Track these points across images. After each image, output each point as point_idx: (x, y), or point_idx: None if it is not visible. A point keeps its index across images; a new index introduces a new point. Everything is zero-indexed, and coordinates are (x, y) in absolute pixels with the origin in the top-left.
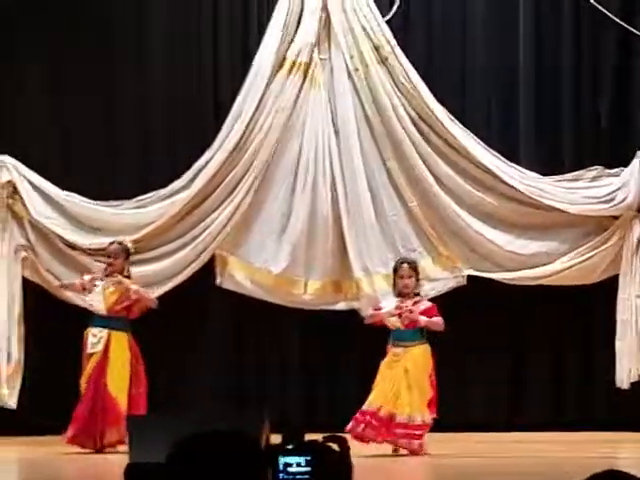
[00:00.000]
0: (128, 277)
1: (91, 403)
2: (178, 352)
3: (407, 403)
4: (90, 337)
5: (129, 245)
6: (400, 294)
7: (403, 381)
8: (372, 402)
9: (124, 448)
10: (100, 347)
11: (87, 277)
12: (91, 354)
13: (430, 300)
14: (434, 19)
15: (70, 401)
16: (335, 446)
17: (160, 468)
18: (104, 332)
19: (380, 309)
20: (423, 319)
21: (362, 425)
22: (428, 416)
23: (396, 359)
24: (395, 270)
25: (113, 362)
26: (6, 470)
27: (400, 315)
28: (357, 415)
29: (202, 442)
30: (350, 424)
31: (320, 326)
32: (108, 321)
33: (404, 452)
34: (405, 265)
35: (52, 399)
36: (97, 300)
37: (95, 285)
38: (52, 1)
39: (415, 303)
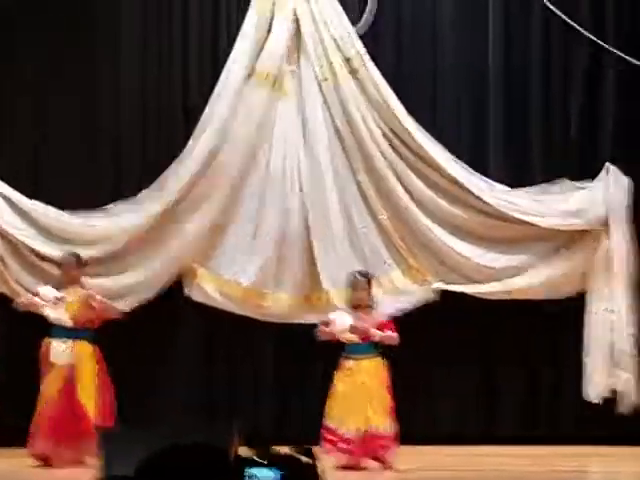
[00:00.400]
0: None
1: (63, 415)
2: (148, 364)
3: (371, 416)
4: (54, 347)
5: (81, 255)
6: (354, 307)
7: (363, 395)
8: (341, 424)
9: (91, 462)
10: (68, 358)
11: (44, 291)
12: (54, 364)
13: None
14: (404, 31)
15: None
16: (304, 458)
17: None
18: (69, 342)
19: (328, 323)
20: (378, 334)
21: (341, 454)
22: (391, 427)
23: (349, 373)
24: (349, 283)
25: (81, 373)
26: None
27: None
28: (331, 438)
29: (171, 455)
30: (332, 452)
31: (292, 339)
32: (73, 332)
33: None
34: (359, 278)
35: (18, 410)
36: (58, 312)
37: (59, 299)
38: (28, 5)
39: (369, 316)
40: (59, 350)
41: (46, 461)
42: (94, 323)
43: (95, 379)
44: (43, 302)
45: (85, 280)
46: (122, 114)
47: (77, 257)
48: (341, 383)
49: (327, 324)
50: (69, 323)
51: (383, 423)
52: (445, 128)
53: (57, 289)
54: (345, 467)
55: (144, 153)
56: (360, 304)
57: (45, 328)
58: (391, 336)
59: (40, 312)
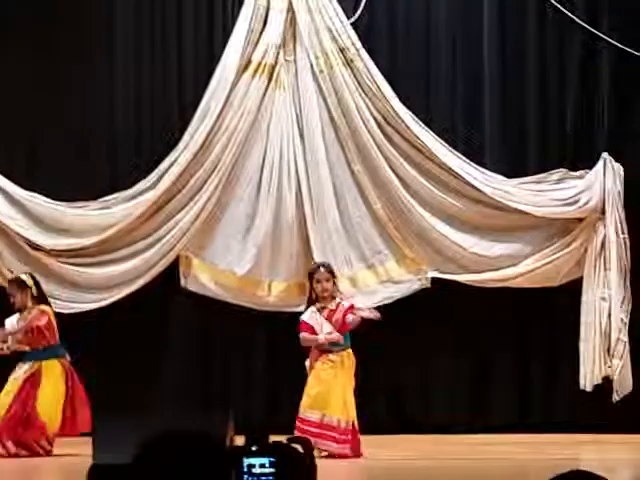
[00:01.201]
0: (32, 307)
1: (15, 418)
2: (143, 355)
3: (351, 407)
4: (17, 369)
5: (23, 277)
6: (319, 299)
7: (348, 387)
8: (330, 415)
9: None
10: (24, 377)
11: (10, 322)
12: (15, 378)
13: (395, 302)
14: (398, 21)
15: None
16: (299, 447)
17: (125, 469)
18: (35, 365)
19: (312, 329)
20: (363, 314)
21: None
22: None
23: (330, 365)
24: (311, 275)
25: (44, 389)
26: None
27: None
28: (320, 431)
29: (167, 443)
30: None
31: (285, 328)
32: (36, 354)
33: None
34: (322, 269)
35: None
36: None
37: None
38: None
39: (337, 306)
40: (19, 372)
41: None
42: (47, 339)
43: (62, 393)
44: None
45: (32, 302)
46: (117, 107)
47: (20, 282)
48: (325, 375)
49: (309, 328)
50: (26, 348)
51: (346, 416)
52: (440, 118)
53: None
54: (337, 457)
55: (139, 145)
56: (325, 295)
57: None
58: (374, 313)
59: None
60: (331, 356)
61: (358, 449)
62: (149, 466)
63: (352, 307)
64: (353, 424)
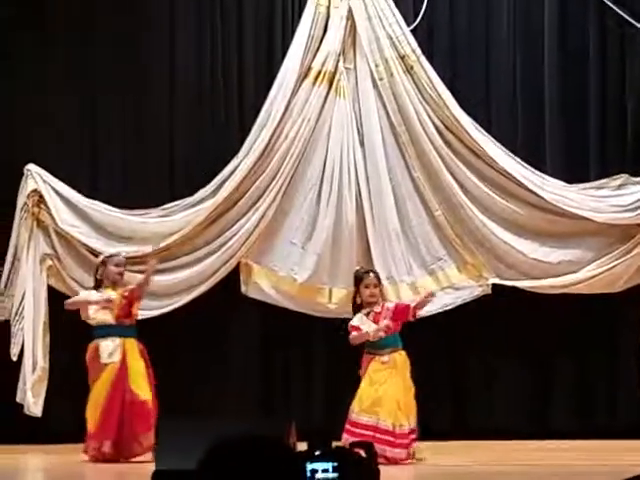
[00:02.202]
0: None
1: (119, 413)
2: (205, 361)
3: (405, 410)
4: (103, 347)
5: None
6: (364, 304)
7: (402, 388)
8: (383, 419)
9: (148, 457)
10: (119, 355)
11: (95, 297)
12: (106, 364)
13: (456, 308)
14: (458, 27)
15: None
16: (362, 452)
17: (189, 475)
18: (117, 341)
19: (360, 329)
20: (415, 304)
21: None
22: (411, 423)
23: (384, 367)
24: (360, 280)
25: (132, 368)
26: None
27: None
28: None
29: (233, 448)
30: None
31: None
32: (118, 329)
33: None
34: (371, 275)
35: (74, 407)
36: (100, 311)
37: (110, 301)
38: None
39: (382, 308)
40: (108, 350)
41: (107, 461)
42: (132, 316)
43: (145, 374)
44: (92, 302)
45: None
46: (177, 114)
47: (124, 258)
48: (377, 377)
49: (359, 329)
50: (110, 321)
51: (412, 418)
52: (501, 124)
53: (95, 289)
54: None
55: (199, 153)
56: (373, 301)
57: None
58: (419, 301)
59: (83, 312)
60: (382, 358)
61: (414, 454)
62: (214, 472)
63: (398, 306)
64: (410, 428)
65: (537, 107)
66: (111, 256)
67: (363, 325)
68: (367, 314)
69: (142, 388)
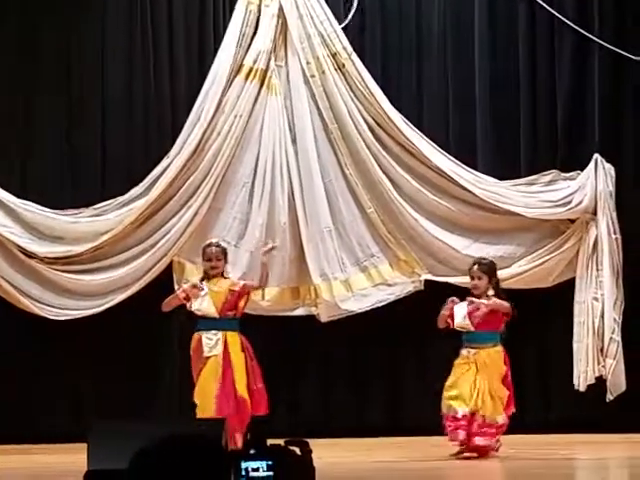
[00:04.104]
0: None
1: (222, 406)
2: (138, 362)
3: (485, 404)
4: (205, 340)
5: (225, 245)
6: (472, 295)
7: (474, 381)
8: (457, 408)
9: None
10: (220, 348)
11: (184, 287)
12: (208, 357)
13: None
14: (389, 25)
15: (31, 410)
16: (297, 450)
17: (121, 474)
18: (219, 334)
19: (450, 307)
20: (485, 303)
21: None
22: (502, 418)
23: (464, 361)
24: (469, 270)
25: (234, 363)
26: None
27: (469, 316)
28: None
29: (166, 447)
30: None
31: (279, 332)
32: (220, 322)
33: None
34: (475, 266)
35: (11, 408)
36: (204, 304)
37: (201, 289)
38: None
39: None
40: (209, 343)
41: None
42: (238, 311)
43: (245, 367)
44: (188, 297)
45: (226, 269)
46: (108, 113)
47: (225, 249)
48: (460, 371)
49: (451, 314)
50: (214, 314)
51: (492, 414)
52: (432, 121)
53: (200, 284)
54: (461, 444)
55: (131, 151)
56: (476, 293)
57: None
58: (501, 303)
59: (188, 304)
60: (464, 352)
61: (491, 445)
62: (147, 470)
63: (493, 309)
64: (482, 419)
65: (468, 104)
66: (204, 248)
67: (457, 309)
68: (470, 303)
69: (241, 384)
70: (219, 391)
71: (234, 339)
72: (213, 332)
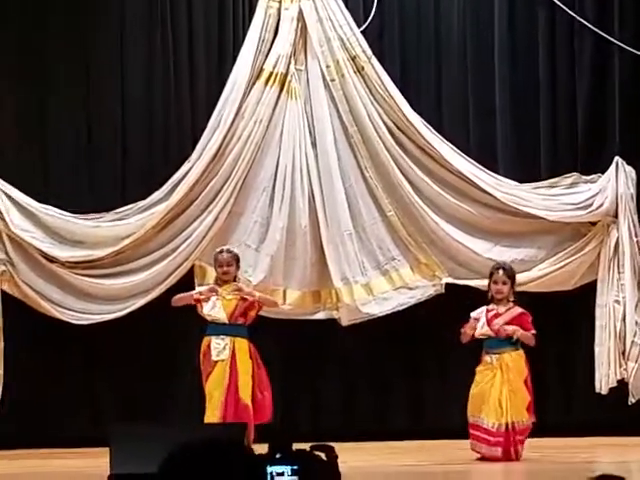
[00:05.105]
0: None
1: (225, 411)
2: (157, 365)
3: (508, 409)
4: (214, 345)
5: (237, 252)
6: (493, 300)
7: (500, 388)
8: (482, 417)
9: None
10: (227, 354)
11: (200, 289)
12: (216, 362)
13: (410, 307)
14: (409, 28)
15: (50, 414)
16: (323, 455)
17: (146, 478)
18: (227, 339)
19: (474, 326)
20: (509, 328)
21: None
22: (528, 420)
23: (487, 367)
24: (490, 275)
25: (240, 369)
26: None
27: (489, 323)
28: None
29: (194, 452)
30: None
31: (300, 336)
32: (229, 328)
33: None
34: (500, 271)
35: (30, 413)
36: (215, 309)
37: (214, 293)
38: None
39: (507, 310)
40: (218, 348)
41: None
42: (248, 319)
43: (251, 375)
44: (200, 299)
45: (239, 276)
46: (129, 118)
47: (237, 256)
48: (481, 379)
49: (473, 327)
50: (224, 320)
51: (520, 417)
52: (452, 124)
53: (214, 289)
54: (488, 459)
55: (152, 156)
56: (500, 297)
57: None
58: (527, 335)
59: (199, 308)
60: (487, 358)
61: (512, 452)
62: (175, 476)
63: (520, 317)
64: (512, 427)
65: (488, 107)
66: (215, 255)
67: (478, 319)
68: (490, 310)
69: (245, 391)
70: (224, 397)
71: (242, 345)
72: (222, 337)
